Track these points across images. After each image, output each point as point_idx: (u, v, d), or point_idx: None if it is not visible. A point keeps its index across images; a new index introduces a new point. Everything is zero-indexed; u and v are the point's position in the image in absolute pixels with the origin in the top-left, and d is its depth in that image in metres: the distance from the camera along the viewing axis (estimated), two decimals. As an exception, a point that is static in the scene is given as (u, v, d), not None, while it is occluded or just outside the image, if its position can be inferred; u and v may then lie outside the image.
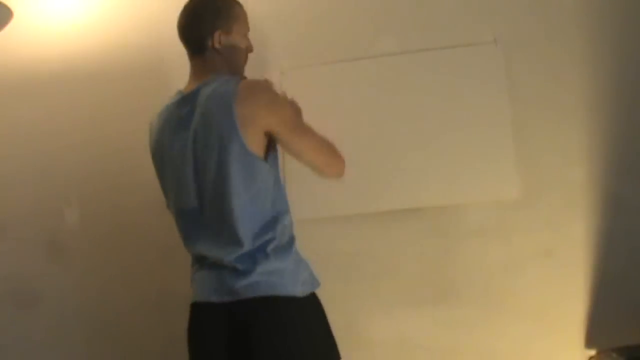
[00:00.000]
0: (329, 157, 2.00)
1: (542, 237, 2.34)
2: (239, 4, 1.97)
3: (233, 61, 1.93)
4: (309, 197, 2.46)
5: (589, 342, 2.28)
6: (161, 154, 1.91)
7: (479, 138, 2.38)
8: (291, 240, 1.86)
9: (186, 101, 1.85)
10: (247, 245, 1.75)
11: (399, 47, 2.47)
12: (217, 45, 1.87)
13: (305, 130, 1.94)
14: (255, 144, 1.76)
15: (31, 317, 2.61)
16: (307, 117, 1.97)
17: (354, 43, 2.51)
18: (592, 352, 2.26)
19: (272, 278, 1.74)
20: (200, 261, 1.87)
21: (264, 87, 1.85)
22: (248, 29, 1.99)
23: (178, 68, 2.05)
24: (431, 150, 2.41)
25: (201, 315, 1.83)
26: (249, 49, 1.99)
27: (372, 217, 2.43)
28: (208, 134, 1.76)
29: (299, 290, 1.78)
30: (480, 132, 2.38)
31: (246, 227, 1.75)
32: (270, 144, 1.84)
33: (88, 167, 2.64)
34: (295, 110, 1.98)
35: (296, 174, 2.42)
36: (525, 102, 2.39)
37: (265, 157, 1.81)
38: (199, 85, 1.85)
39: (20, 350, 2.60)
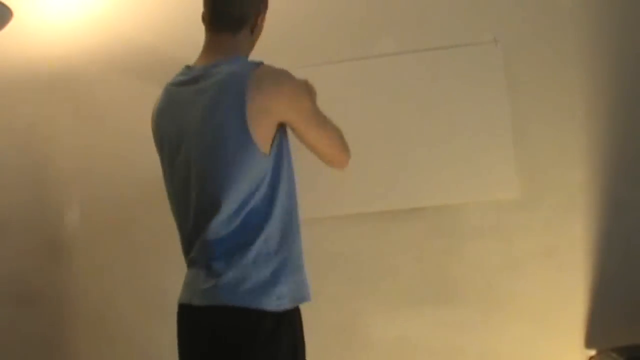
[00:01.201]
0: (339, 150, 1.83)
1: (542, 237, 2.34)
2: None
3: (253, 43, 1.77)
4: (309, 197, 2.45)
5: (589, 342, 2.28)
6: (160, 136, 1.75)
7: (478, 138, 2.38)
8: (279, 248, 1.64)
9: (197, 79, 1.66)
10: (225, 245, 1.58)
11: (399, 47, 2.47)
12: (259, 24, 1.71)
13: (321, 122, 1.77)
14: (262, 137, 1.57)
15: (31, 317, 2.61)
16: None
17: (354, 43, 2.51)
18: (592, 352, 2.26)
19: (242, 286, 1.54)
20: (187, 256, 1.72)
21: (287, 77, 1.66)
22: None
23: (181, 68, 2.04)
24: (431, 150, 2.41)
25: (182, 319, 1.67)
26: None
27: (372, 217, 2.43)
28: (211, 118, 1.59)
29: (274, 305, 1.56)
30: (480, 132, 2.39)
31: (226, 225, 1.58)
32: (276, 137, 1.66)
33: (88, 168, 2.64)
34: (312, 99, 1.79)
35: (295, 174, 2.42)
36: (525, 102, 2.39)
37: (269, 151, 1.62)
38: (213, 63, 1.65)
39: (20, 350, 2.60)
